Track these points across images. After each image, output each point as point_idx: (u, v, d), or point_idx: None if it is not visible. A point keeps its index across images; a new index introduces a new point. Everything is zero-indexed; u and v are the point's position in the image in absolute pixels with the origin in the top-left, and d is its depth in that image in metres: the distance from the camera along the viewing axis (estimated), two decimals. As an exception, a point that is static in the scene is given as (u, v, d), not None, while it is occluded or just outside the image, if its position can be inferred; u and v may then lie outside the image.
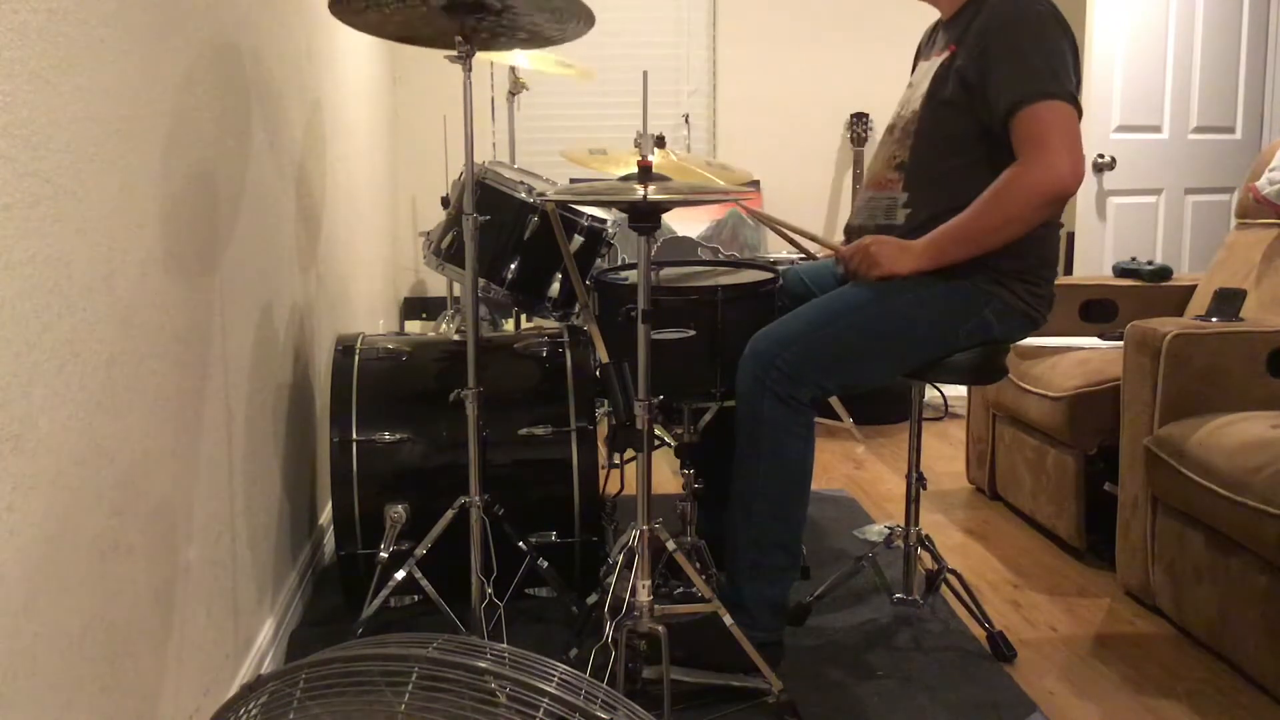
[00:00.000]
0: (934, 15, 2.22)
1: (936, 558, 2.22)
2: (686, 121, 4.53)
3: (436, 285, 4.57)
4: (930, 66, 2.11)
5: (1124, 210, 3.95)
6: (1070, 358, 2.75)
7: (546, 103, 4.43)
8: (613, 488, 2.50)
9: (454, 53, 1.91)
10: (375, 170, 3.90)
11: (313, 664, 0.92)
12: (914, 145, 2.09)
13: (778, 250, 4.30)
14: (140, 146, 1.40)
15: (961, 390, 3.76)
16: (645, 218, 1.70)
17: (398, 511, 2.18)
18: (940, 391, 3.89)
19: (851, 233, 2.25)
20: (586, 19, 1.94)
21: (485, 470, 2.05)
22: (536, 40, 2.08)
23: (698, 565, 2.22)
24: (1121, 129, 3.87)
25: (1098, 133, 3.84)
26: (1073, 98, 1.95)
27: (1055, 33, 1.96)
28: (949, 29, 2.12)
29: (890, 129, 2.20)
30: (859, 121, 4.52)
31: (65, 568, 1.16)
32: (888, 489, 3.27)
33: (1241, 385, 2.26)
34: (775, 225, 2.36)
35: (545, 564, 2.22)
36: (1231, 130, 4.10)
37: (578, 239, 2.31)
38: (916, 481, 2.23)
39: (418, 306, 4.54)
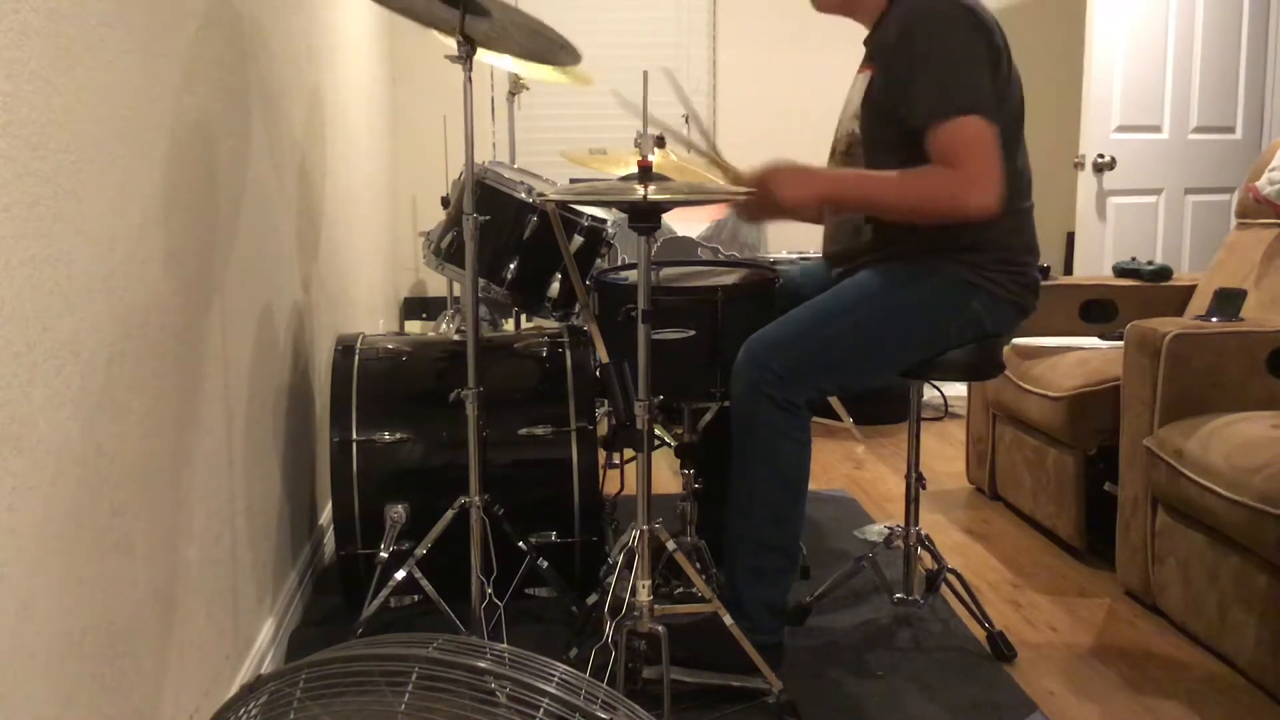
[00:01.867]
0: None
1: (936, 558, 2.22)
2: (686, 121, 4.52)
3: (436, 285, 4.57)
4: (859, 81, 2.15)
5: (1124, 210, 3.95)
6: (1070, 358, 2.75)
7: (546, 103, 4.43)
8: (613, 488, 2.50)
9: (454, 53, 1.91)
10: (375, 170, 3.90)
11: (313, 664, 0.92)
12: (867, 158, 2.11)
13: (778, 250, 4.30)
14: (140, 146, 1.40)
15: (961, 390, 3.76)
16: (645, 218, 1.70)
17: (398, 511, 2.18)
18: (940, 391, 3.89)
19: (829, 259, 2.26)
20: (572, 55, 1.96)
21: (485, 470, 2.05)
22: (530, 55, 2.09)
23: (698, 565, 2.22)
24: (1121, 129, 3.87)
25: (1098, 133, 3.84)
26: (982, 108, 1.88)
27: (962, 39, 1.92)
28: (870, 42, 2.14)
29: (833, 152, 2.22)
30: (859, 121, 4.51)
31: (65, 568, 1.16)
32: (888, 489, 3.27)
33: (1241, 385, 2.26)
34: (699, 150, 2.35)
35: (545, 564, 2.22)
36: (1231, 130, 4.10)
37: (578, 239, 2.31)
38: (916, 481, 2.23)
39: (418, 306, 4.54)
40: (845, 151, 2.20)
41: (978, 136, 1.88)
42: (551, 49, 1.99)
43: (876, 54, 2.07)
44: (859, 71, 2.18)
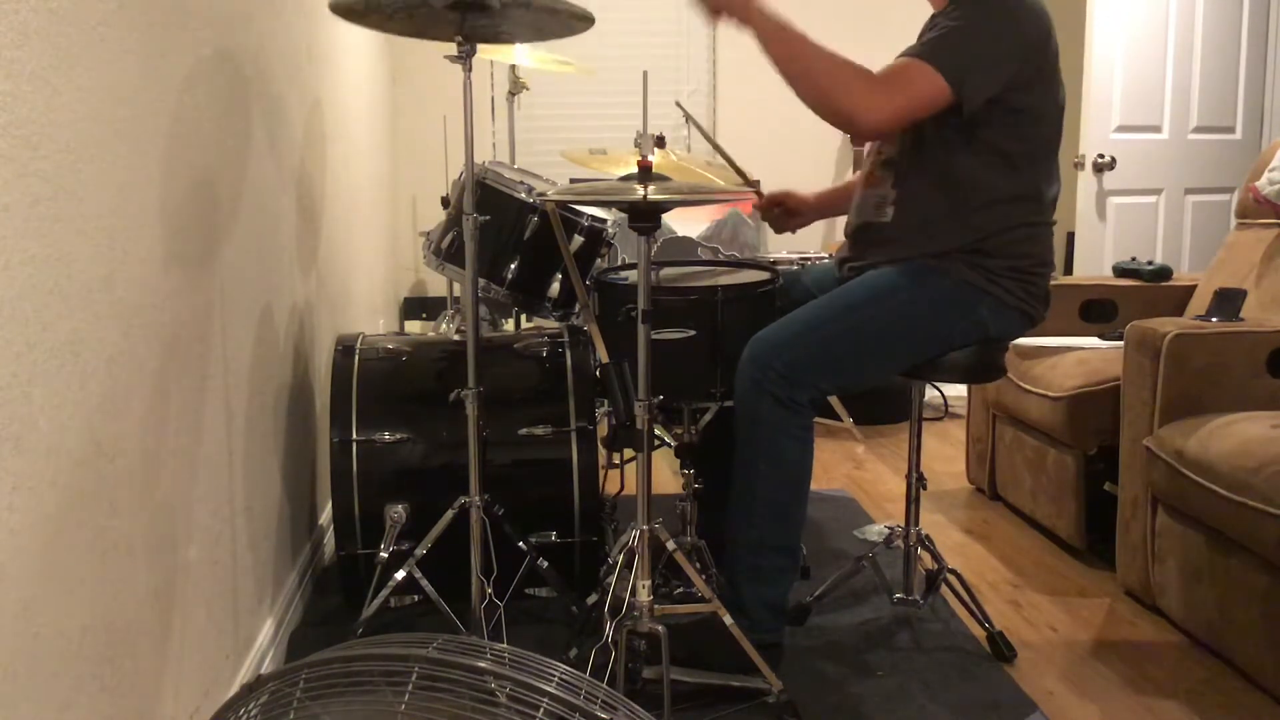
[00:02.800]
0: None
1: (936, 558, 2.22)
2: (687, 121, 4.52)
3: (436, 285, 4.57)
4: None
5: (1124, 210, 3.96)
6: (1070, 358, 2.75)
7: (546, 103, 4.43)
8: (613, 488, 2.50)
9: (454, 53, 1.91)
10: (375, 170, 3.90)
11: (313, 664, 0.92)
12: (901, 139, 2.10)
13: (778, 250, 4.30)
14: (140, 146, 1.40)
15: (961, 390, 3.76)
16: (645, 218, 1.70)
17: (398, 511, 2.18)
18: (940, 391, 3.89)
19: (848, 233, 2.26)
20: (586, 19, 1.95)
21: (485, 470, 2.05)
22: (540, 35, 2.08)
23: (698, 565, 2.22)
24: (1121, 129, 3.87)
25: (1098, 133, 3.84)
26: (956, 79, 1.92)
27: (999, 22, 1.96)
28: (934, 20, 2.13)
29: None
30: (859, 121, 4.52)
31: (65, 568, 1.16)
32: (888, 489, 3.27)
33: (1241, 385, 2.26)
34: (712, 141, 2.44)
35: (545, 564, 2.22)
36: (1231, 130, 4.10)
37: (578, 239, 2.31)
38: (916, 481, 2.23)
39: (418, 306, 4.54)
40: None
41: (926, 87, 1.93)
42: (567, 23, 1.97)
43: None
44: None
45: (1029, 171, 2.04)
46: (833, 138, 4.62)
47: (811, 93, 1.97)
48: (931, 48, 1.95)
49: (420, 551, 2.12)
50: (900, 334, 2.04)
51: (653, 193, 1.63)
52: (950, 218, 2.03)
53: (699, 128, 2.46)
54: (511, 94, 3.67)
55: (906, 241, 2.07)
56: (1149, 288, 3.08)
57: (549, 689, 0.88)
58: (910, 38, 2.17)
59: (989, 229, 2.02)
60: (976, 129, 1.98)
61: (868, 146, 2.29)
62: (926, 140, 2.05)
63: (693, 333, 2.05)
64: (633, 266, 2.21)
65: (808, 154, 4.61)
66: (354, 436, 2.21)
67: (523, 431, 2.26)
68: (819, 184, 4.61)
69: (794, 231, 2.51)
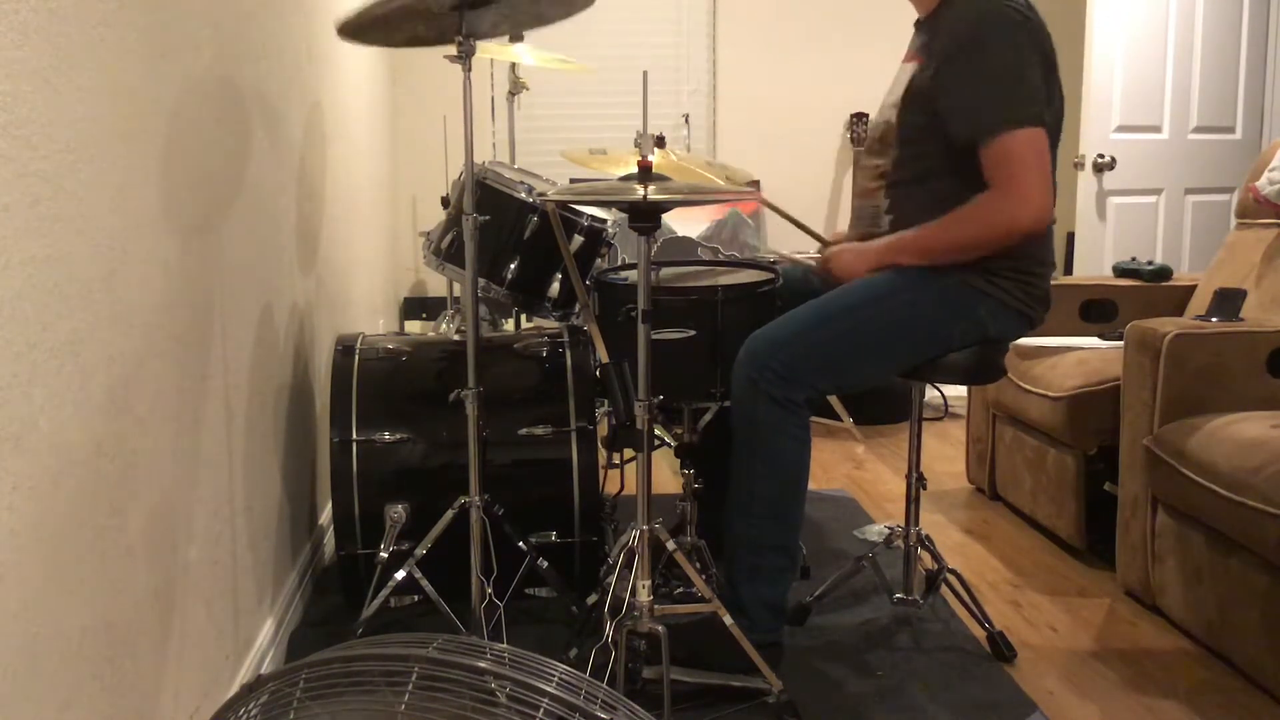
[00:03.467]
0: None
1: (936, 558, 2.22)
2: (686, 121, 4.52)
3: (436, 285, 4.57)
4: (904, 72, 2.13)
5: (1124, 210, 3.95)
6: (1070, 358, 2.75)
7: (546, 103, 4.43)
8: (613, 488, 2.50)
9: (454, 52, 1.91)
10: (375, 170, 3.90)
11: (313, 664, 0.92)
12: (895, 157, 2.11)
13: (777, 250, 4.29)
14: (140, 146, 1.40)
15: (961, 390, 3.75)
16: (645, 218, 1.70)
17: (398, 511, 2.18)
18: (940, 391, 3.89)
19: (847, 240, 2.28)
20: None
21: (485, 470, 2.05)
22: (541, 20, 2.06)
23: (698, 565, 2.22)
24: (1121, 129, 3.87)
25: (1098, 133, 3.84)
26: (1038, 118, 1.91)
27: (1014, 46, 1.92)
28: (922, 30, 2.13)
29: (869, 144, 2.23)
30: (859, 121, 4.52)
31: (65, 568, 1.16)
32: (888, 489, 3.27)
33: (1241, 385, 2.26)
34: (787, 216, 2.38)
35: (545, 564, 2.22)
36: (1231, 130, 4.10)
37: (578, 239, 2.31)
38: (916, 481, 2.23)
39: (418, 306, 4.54)
40: (880, 138, 2.19)
41: (1030, 149, 1.90)
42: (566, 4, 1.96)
43: (926, 44, 2.06)
44: (904, 61, 2.16)
45: None
46: (832, 138, 4.62)
47: (972, 252, 1.98)
48: (998, 111, 1.90)
49: (420, 551, 2.11)
50: (899, 335, 2.04)
51: (653, 193, 1.63)
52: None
53: (772, 206, 2.44)
54: (511, 94, 3.67)
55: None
56: (1149, 288, 3.08)
57: (549, 689, 0.88)
58: (898, 42, 2.18)
59: None
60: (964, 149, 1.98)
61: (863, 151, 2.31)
62: (918, 155, 2.06)
63: (693, 333, 2.05)
64: (633, 266, 2.21)
65: (807, 154, 4.61)
66: (354, 436, 2.21)
67: (523, 431, 2.26)
68: (818, 184, 4.62)
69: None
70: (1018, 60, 1.92)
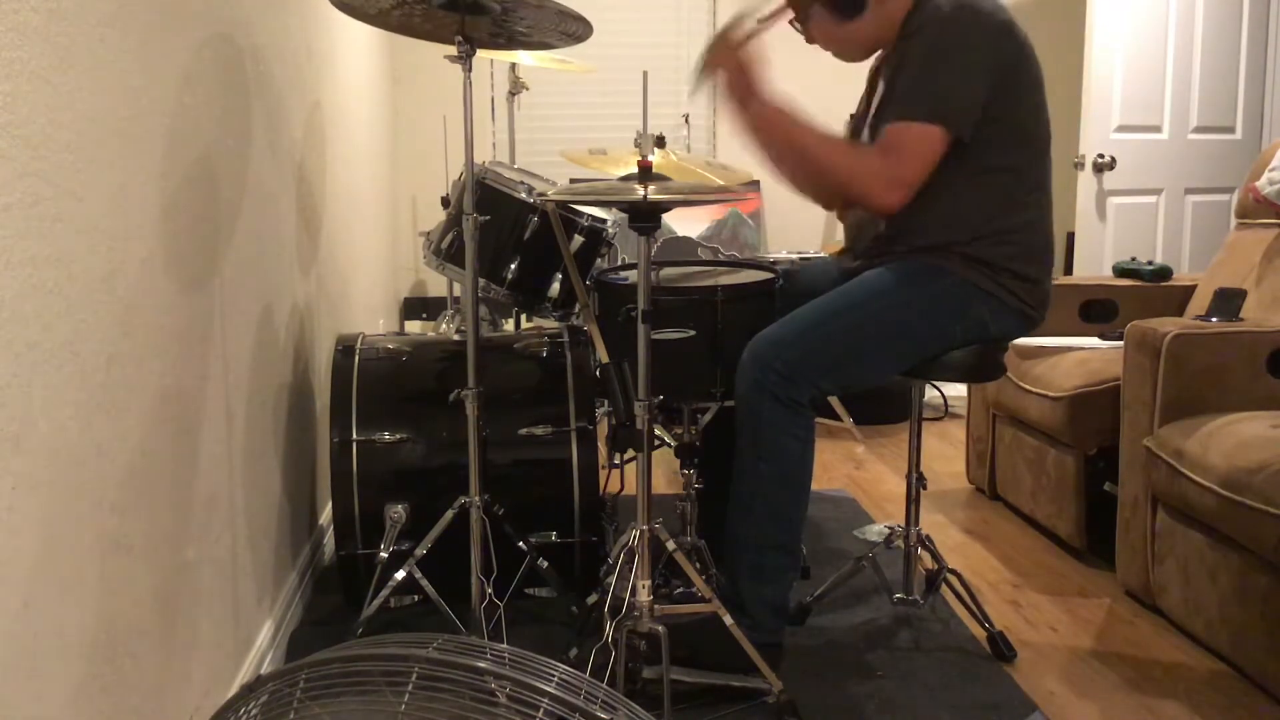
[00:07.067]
0: None
1: (936, 558, 2.22)
2: (686, 121, 4.53)
3: (436, 285, 4.57)
4: (873, 89, 2.16)
5: (1124, 210, 3.95)
6: (1070, 358, 2.75)
7: (546, 103, 4.43)
8: (613, 488, 2.50)
9: (454, 52, 1.91)
10: (375, 170, 3.90)
11: (313, 664, 0.92)
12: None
13: (777, 250, 4.30)
14: (140, 146, 1.40)
15: (961, 390, 3.75)
16: (645, 218, 1.70)
17: (398, 511, 2.18)
18: (940, 391, 3.88)
19: (847, 239, 2.27)
20: (585, 28, 1.95)
21: (485, 470, 2.05)
22: (537, 45, 2.08)
23: (698, 565, 2.22)
24: (1121, 129, 3.87)
25: (1098, 133, 3.84)
26: (953, 123, 1.94)
27: (970, 46, 1.95)
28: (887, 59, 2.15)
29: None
30: (859, 122, 4.52)
31: (65, 568, 1.16)
32: (888, 489, 3.27)
33: (1241, 385, 2.26)
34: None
35: (545, 564, 2.22)
36: (1231, 130, 4.10)
37: (578, 239, 2.31)
38: (916, 481, 2.23)
39: (418, 306, 4.54)
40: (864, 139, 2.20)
41: (928, 146, 1.95)
42: (572, 27, 1.97)
43: (897, 41, 2.06)
44: (865, 91, 2.21)
45: (1021, 175, 2.04)
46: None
47: (820, 178, 2.01)
48: (907, 101, 1.96)
49: (420, 551, 2.11)
50: (901, 333, 2.04)
51: (653, 193, 1.63)
52: (944, 221, 2.03)
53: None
54: (511, 94, 3.67)
55: (905, 243, 2.07)
56: (1149, 288, 3.08)
57: (549, 689, 0.88)
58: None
59: (984, 231, 2.02)
60: (964, 145, 1.98)
61: None
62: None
63: (693, 333, 2.05)
64: (633, 266, 2.21)
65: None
66: (354, 436, 2.21)
67: (523, 431, 2.26)
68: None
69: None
70: (967, 59, 1.95)
